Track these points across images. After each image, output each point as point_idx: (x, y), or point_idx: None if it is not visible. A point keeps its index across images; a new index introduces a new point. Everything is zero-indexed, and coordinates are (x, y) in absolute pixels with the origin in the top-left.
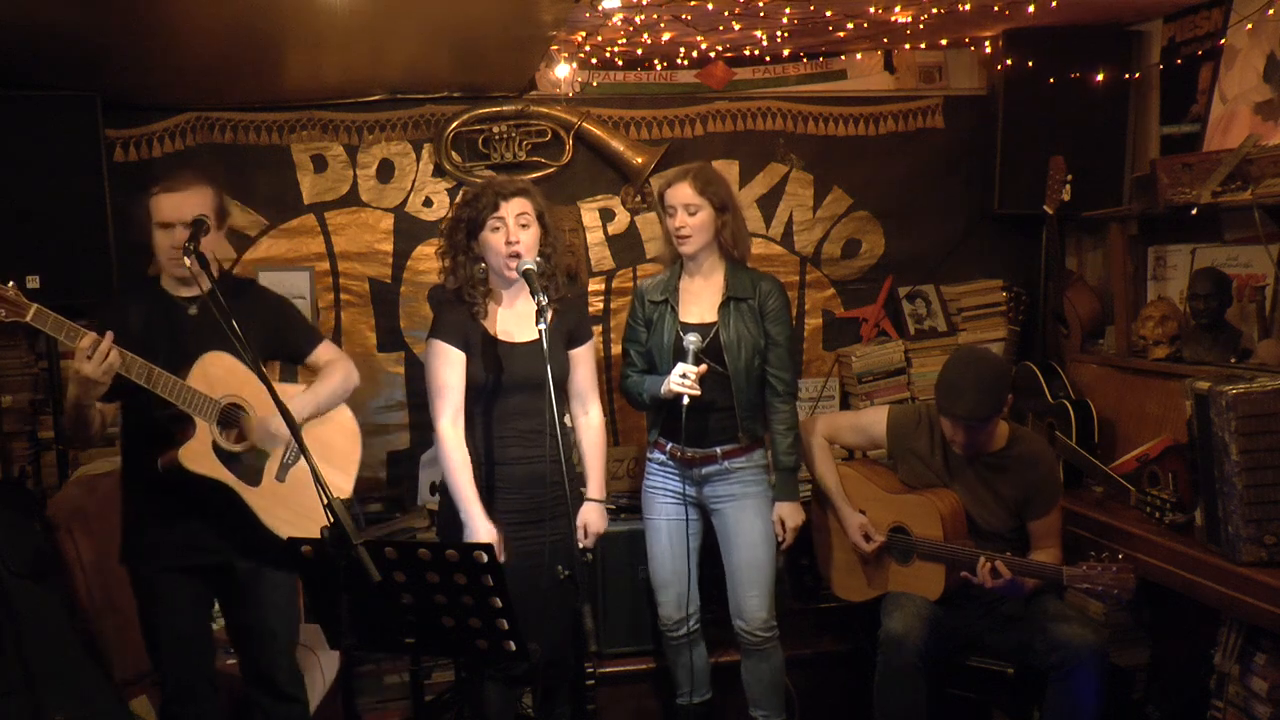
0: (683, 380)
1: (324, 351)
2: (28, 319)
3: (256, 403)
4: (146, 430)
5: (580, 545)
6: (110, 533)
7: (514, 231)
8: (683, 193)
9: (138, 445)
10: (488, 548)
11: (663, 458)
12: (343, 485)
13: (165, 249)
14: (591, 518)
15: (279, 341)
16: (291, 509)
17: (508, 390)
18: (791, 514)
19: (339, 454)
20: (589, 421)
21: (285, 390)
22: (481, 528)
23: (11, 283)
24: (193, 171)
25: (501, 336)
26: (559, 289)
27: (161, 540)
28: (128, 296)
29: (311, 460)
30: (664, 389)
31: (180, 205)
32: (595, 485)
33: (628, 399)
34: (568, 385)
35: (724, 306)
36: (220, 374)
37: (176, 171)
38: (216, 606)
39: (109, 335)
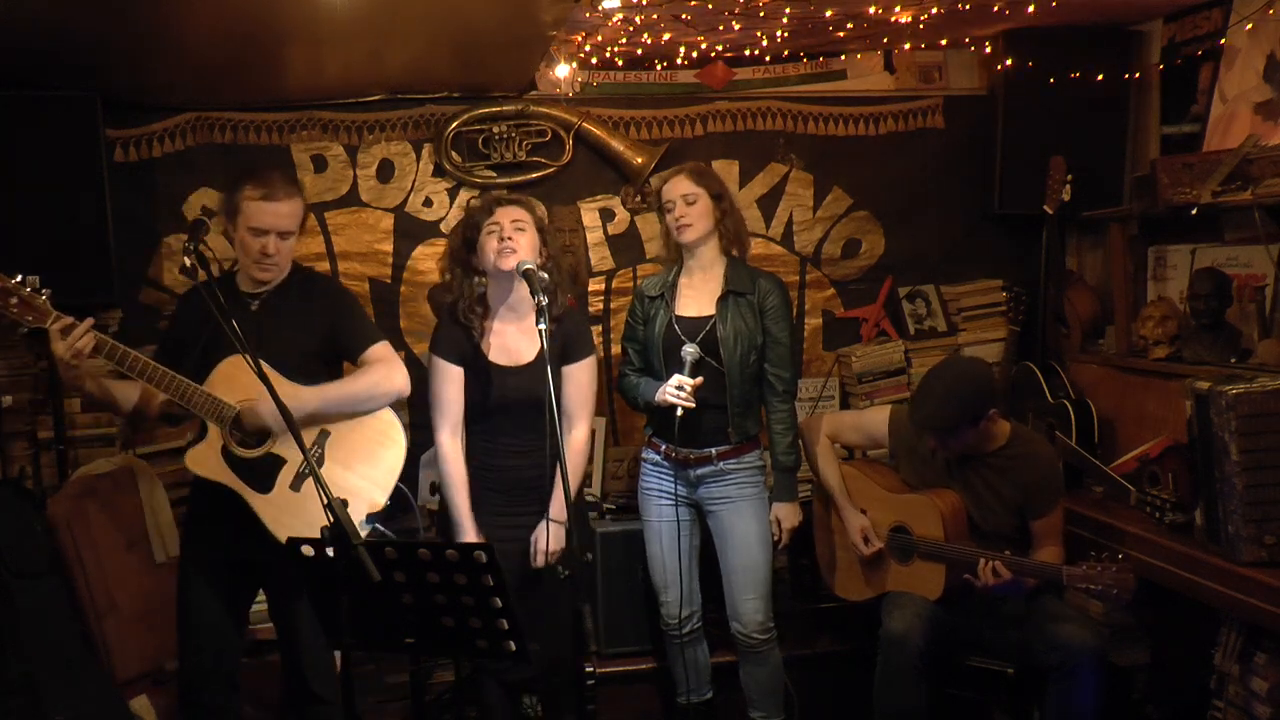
0: (678, 392)
1: (372, 353)
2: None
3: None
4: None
5: (533, 565)
6: (110, 533)
7: (508, 230)
8: (679, 185)
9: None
10: (488, 548)
11: (657, 458)
12: (374, 497)
13: (254, 252)
14: (542, 535)
15: (333, 338)
16: (301, 519)
17: (497, 412)
18: (788, 515)
19: (363, 458)
20: (571, 440)
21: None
22: (472, 540)
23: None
24: (283, 176)
25: (495, 359)
26: (557, 305)
27: (207, 532)
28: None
29: (305, 450)
30: (658, 397)
31: (279, 216)
32: (557, 505)
33: (625, 399)
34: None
35: (722, 300)
36: (242, 378)
37: (271, 176)
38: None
39: (88, 321)
